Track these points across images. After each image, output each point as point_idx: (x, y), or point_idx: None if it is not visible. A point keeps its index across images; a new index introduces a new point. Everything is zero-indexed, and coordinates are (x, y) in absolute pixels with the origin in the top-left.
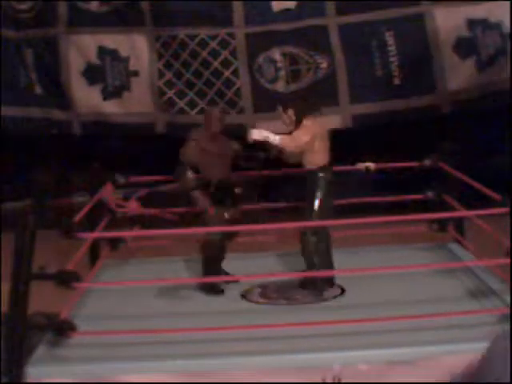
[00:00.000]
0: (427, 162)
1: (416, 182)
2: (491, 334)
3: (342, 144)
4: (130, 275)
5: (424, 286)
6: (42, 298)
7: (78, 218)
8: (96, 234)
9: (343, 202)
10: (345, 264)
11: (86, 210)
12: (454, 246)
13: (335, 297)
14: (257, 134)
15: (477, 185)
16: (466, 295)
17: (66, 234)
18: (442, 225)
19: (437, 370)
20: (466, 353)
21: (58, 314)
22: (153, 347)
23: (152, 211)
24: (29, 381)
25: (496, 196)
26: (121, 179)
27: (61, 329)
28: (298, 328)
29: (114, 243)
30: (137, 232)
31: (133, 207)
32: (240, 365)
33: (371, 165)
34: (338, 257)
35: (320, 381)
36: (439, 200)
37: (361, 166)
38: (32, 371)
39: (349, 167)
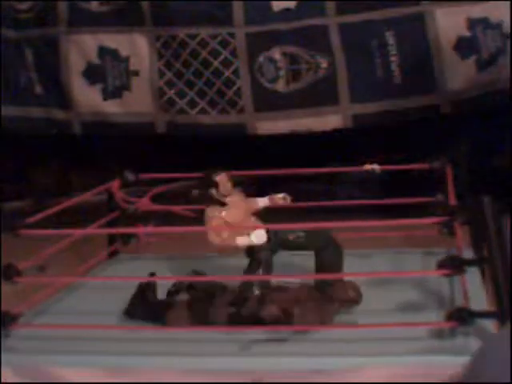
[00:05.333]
0: (436, 164)
1: (421, 183)
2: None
3: (342, 144)
4: (132, 271)
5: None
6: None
7: (39, 217)
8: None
9: (348, 202)
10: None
11: (57, 209)
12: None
13: None
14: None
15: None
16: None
17: (12, 232)
18: (451, 228)
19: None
20: (391, 366)
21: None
22: (91, 343)
23: (167, 208)
24: None
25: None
26: (130, 176)
27: (2, 321)
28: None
29: (125, 238)
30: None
31: (144, 204)
32: (169, 364)
33: (377, 167)
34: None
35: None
36: (448, 202)
37: (367, 167)
38: None
39: (355, 168)
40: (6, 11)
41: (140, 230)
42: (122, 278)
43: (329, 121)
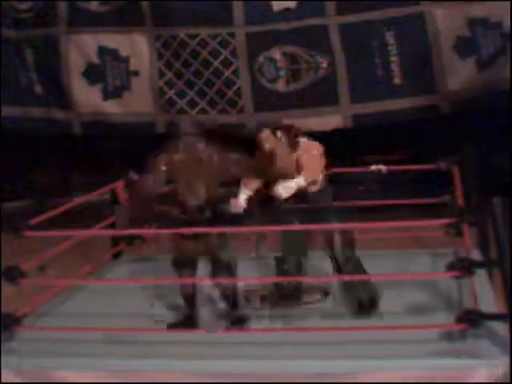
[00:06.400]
0: (443, 165)
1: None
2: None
3: (342, 144)
4: (136, 272)
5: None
6: None
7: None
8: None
9: (355, 203)
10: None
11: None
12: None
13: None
14: (286, 191)
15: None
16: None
17: (15, 233)
18: (458, 229)
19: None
20: (402, 368)
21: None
22: (92, 346)
23: (169, 209)
24: None
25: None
26: (134, 177)
27: (5, 323)
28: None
29: (129, 239)
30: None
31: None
32: (171, 366)
33: (383, 167)
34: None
35: None
36: (455, 204)
37: (374, 168)
38: None
39: (362, 169)
40: (6, 11)
41: (144, 231)
42: (126, 280)
43: (329, 121)
